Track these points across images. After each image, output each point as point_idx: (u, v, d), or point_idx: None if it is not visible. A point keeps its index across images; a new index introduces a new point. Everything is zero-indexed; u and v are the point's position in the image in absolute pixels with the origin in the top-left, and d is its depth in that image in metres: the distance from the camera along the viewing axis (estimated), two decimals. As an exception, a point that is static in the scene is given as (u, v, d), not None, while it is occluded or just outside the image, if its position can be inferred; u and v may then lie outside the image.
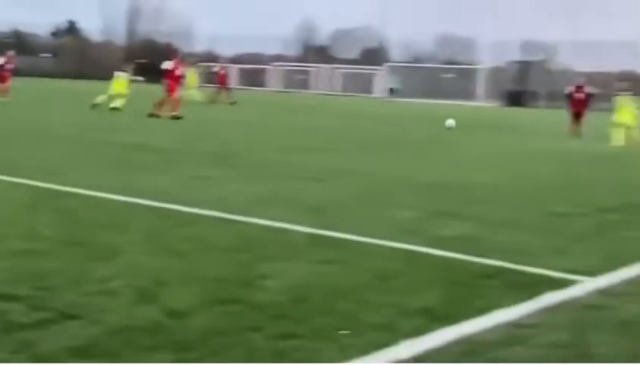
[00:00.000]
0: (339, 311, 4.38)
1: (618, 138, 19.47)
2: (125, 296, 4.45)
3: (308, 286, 4.84)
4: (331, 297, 4.63)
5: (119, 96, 22.72)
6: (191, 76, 31.99)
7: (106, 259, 5.26)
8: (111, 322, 4.00)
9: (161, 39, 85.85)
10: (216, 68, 38.45)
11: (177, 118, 20.45)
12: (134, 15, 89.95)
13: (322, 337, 3.95)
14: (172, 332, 3.91)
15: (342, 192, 9.04)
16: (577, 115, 23.22)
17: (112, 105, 22.18)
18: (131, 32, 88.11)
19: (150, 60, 78.20)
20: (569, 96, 23.95)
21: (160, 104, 21.58)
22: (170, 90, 21.86)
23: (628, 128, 19.80)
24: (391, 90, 58.77)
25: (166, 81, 22.09)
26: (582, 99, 23.43)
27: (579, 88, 23.86)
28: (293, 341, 3.85)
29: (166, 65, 22.42)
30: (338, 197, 8.63)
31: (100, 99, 22.58)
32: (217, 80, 36.15)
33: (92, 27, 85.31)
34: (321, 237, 6.38)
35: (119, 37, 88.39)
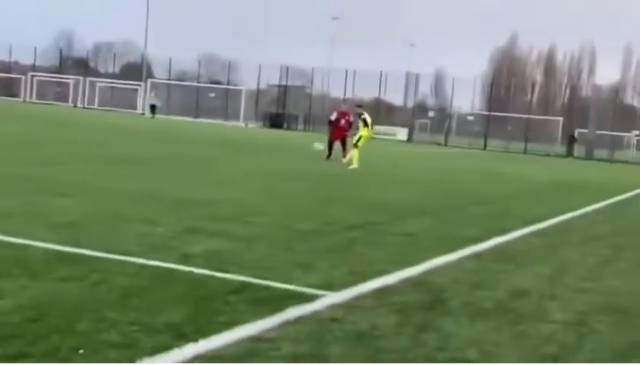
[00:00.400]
0: (78, 330, 4.21)
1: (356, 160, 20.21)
2: None
3: (45, 305, 4.60)
4: (69, 316, 4.43)
5: None
6: None
7: None
8: None
9: None
10: None
11: None
12: None
13: (57, 357, 3.76)
14: None
15: (91, 208, 8.72)
16: (342, 140, 23.24)
17: None
18: None
19: None
20: (333, 123, 23.79)
21: None
22: None
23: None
24: (152, 107, 58.01)
25: None
26: (344, 126, 23.60)
27: (343, 114, 24.09)
28: (24, 362, 3.63)
29: None
30: (87, 213, 8.32)
31: None
32: None
33: None
34: (65, 254, 6.11)
35: None
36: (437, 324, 5.10)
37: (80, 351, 3.86)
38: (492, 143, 58.18)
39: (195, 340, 4.22)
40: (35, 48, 74.51)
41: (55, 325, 4.26)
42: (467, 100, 68.63)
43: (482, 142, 59.35)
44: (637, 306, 6.22)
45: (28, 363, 3.65)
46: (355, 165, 19.85)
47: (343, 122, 23.69)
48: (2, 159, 13.64)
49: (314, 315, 5.01)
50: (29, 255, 5.94)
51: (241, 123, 61.08)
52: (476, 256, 7.99)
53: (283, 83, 67.68)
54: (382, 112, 62.52)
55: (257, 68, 67.85)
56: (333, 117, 24.13)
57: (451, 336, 4.84)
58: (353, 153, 20.41)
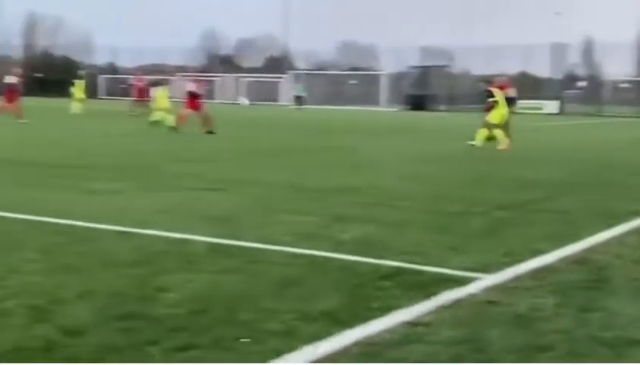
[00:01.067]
0: (239, 320, 4.36)
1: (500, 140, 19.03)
2: (18, 316, 4.32)
3: (207, 297, 4.80)
4: (231, 307, 4.60)
5: (163, 110, 24.89)
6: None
7: (-2, 280, 5.08)
8: (3, 343, 3.87)
9: (59, 53, 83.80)
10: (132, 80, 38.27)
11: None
12: (30, 29, 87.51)
13: (222, 347, 3.92)
14: (67, 350, 3.81)
15: (242, 201, 9.01)
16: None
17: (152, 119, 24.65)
18: (28, 46, 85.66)
19: (48, 74, 76.47)
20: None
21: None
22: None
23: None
24: (297, 98, 58.94)
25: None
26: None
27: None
28: (192, 353, 3.82)
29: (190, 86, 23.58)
30: (238, 205, 8.59)
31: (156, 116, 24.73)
32: (135, 92, 35.94)
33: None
34: (222, 246, 6.34)
35: (16, 52, 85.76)
36: (600, 303, 4.91)
37: (245, 340, 3.99)
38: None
39: (353, 326, 4.27)
40: (183, 49, 77.79)
41: (218, 316, 4.44)
42: (619, 67, 65.16)
43: (638, 110, 56.35)
44: None
45: (194, 352, 3.82)
46: (477, 143, 18.71)
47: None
48: (164, 157, 14.30)
49: (470, 299, 4.94)
50: (188, 249, 6.21)
51: (382, 108, 61.09)
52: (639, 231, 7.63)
53: (423, 64, 67.03)
54: (528, 86, 60.57)
55: (395, 51, 67.65)
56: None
57: (616, 315, 4.65)
58: (481, 132, 18.99)
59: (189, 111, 23.15)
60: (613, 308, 4.79)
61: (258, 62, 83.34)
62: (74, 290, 4.87)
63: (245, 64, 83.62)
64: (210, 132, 21.54)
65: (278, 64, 75.74)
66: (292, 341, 4.00)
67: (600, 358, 3.91)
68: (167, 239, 6.58)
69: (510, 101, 20.81)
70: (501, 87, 20.77)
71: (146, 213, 7.86)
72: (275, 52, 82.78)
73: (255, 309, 4.57)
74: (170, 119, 23.86)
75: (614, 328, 4.37)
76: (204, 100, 23.86)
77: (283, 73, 70.11)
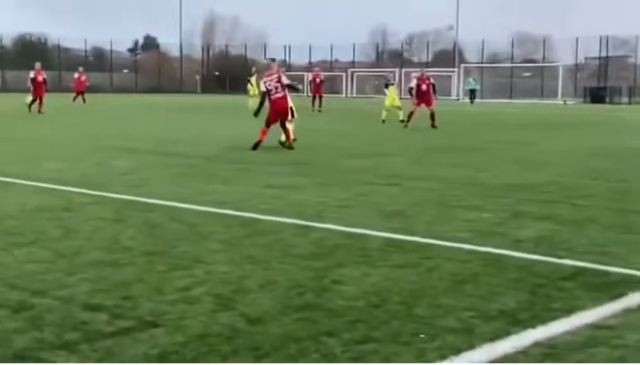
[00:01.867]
0: (416, 315, 4.37)
1: None
2: (204, 304, 4.55)
3: (384, 291, 4.84)
4: (407, 302, 4.62)
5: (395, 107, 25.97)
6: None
7: (186, 268, 5.38)
8: (191, 329, 4.09)
9: (236, 52, 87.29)
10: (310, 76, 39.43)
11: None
12: (209, 29, 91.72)
13: (399, 341, 3.94)
14: (251, 338, 3.97)
15: (416, 196, 8.99)
16: None
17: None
18: (206, 46, 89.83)
19: (225, 72, 79.73)
20: None
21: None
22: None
23: None
24: (471, 91, 57.82)
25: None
26: None
27: None
28: (370, 346, 3.87)
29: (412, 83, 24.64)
30: (412, 201, 8.59)
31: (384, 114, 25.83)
32: (313, 88, 37.07)
33: (170, 42, 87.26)
34: (398, 241, 6.37)
35: (196, 51, 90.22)
36: None
37: (422, 336, 4.00)
38: None
39: (533, 326, 4.17)
40: (353, 44, 78.72)
41: (395, 310, 4.47)
42: None
43: None
44: None
45: (372, 346, 3.87)
46: None
47: None
48: (338, 152, 14.56)
49: (658, 302, 4.68)
50: (365, 244, 6.28)
51: (559, 100, 58.91)
52: None
53: (603, 55, 63.94)
54: None
55: (574, 41, 65.00)
56: None
57: None
58: None
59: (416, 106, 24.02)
60: None
61: (428, 56, 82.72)
62: (256, 280, 5.07)
63: (415, 58, 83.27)
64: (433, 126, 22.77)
65: (448, 57, 74.85)
66: (470, 338, 3.96)
67: None
68: (344, 233, 6.69)
69: None
70: None
71: (322, 207, 8.04)
72: (445, 45, 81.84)
73: (432, 305, 4.56)
74: (400, 114, 25.15)
75: None
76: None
77: (453, 66, 69.21)
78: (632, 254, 5.99)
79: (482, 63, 72.00)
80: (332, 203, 8.35)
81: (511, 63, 70.98)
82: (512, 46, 73.73)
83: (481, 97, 61.17)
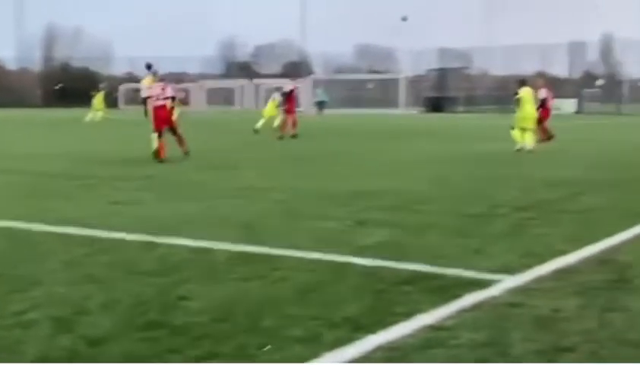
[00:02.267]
0: (262, 327, 4.39)
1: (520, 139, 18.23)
2: (42, 327, 4.37)
3: (231, 304, 4.83)
4: (254, 314, 4.63)
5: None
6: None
7: (24, 291, 5.14)
8: (29, 354, 3.92)
9: (78, 64, 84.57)
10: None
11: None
12: (50, 41, 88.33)
13: (245, 355, 3.95)
14: (91, 360, 3.85)
15: (264, 208, 9.04)
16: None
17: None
18: (47, 58, 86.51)
19: (67, 85, 77.08)
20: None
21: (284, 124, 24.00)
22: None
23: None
24: (319, 104, 58.83)
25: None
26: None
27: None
28: (213, 361, 3.84)
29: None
30: (261, 212, 8.63)
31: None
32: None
33: (6, 55, 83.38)
34: (246, 254, 6.37)
35: (35, 64, 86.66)
36: (624, 303, 4.89)
37: (267, 348, 4.02)
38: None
39: (374, 331, 4.29)
40: (200, 58, 78.19)
41: (241, 323, 4.47)
42: (639, 65, 64.71)
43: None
44: None
45: (218, 362, 3.85)
46: (518, 146, 18.34)
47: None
48: (186, 165, 14.38)
49: (492, 301, 4.94)
50: (212, 258, 6.24)
51: (401, 111, 61.03)
52: (662, 229, 7.57)
53: (442, 66, 66.89)
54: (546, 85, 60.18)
55: (414, 54, 67.62)
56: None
57: (639, 315, 4.62)
58: (514, 134, 18.63)
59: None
60: (636, 308, 4.76)
61: (277, 68, 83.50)
62: (97, 300, 4.92)
63: (264, 70, 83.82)
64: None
65: (296, 69, 75.90)
66: (315, 347, 4.02)
67: (624, 359, 3.89)
68: (190, 247, 6.62)
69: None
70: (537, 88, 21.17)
71: (168, 222, 7.92)
72: (293, 58, 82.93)
73: (278, 315, 4.60)
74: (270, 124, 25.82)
75: (638, 329, 4.35)
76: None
77: (301, 78, 70.18)
78: (467, 256, 6.29)
79: (329, 75, 73.48)
80: (179, 217, 8.24)
81: (357, 74, 72.82)
82: (357, 58, 75.75)
83: (329, 108, 62.36)
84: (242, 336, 4.22)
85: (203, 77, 77.76)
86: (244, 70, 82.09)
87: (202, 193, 10.36)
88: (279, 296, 5.04)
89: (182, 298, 4.97)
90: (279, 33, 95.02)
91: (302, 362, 3.82)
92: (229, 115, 52.15)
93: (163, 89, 16.22)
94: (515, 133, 18.38)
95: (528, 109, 18.64)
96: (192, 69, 79.85)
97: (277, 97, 26.82)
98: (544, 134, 21.71)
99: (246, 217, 8.28)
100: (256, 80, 75.20)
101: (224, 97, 74.60)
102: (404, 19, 64.78)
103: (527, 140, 18.11)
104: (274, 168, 14.43)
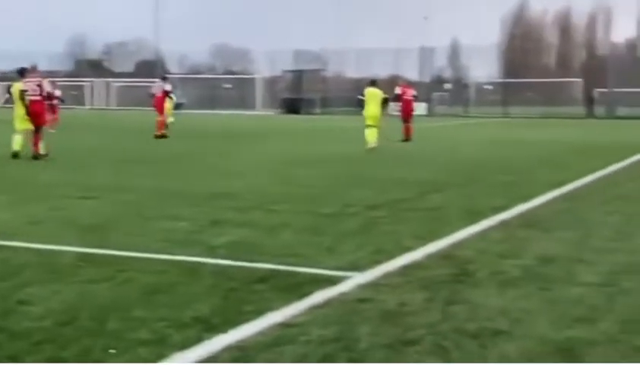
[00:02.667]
0: (108, 330, 4.26)
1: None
2: None
3: (75, 308, 4.66)
4: (99, 317, 4.48)
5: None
6: None
7: None
8: None
9: None
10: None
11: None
12: None
13: (89, 359, 3.82)
14: None
15: (114, 209, 8.80)
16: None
17: None
18: None
19: None
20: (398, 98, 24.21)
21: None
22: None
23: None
24: (177, 105, 57.41)
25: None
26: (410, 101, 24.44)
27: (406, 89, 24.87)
28: (56, 366, 3.69)
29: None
30: (110, 214, 8.39)
31: None
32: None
33: None
34: (92, 256, 6.17)
35: None
36: (465, 296, 5.10)
37: (113, 351, 3.90)
38: (512, 110, 57.70)
39: (225, 331, 4.26)
40: (49, 54, 75.07)
41: (86, 326, 4.32)
42: (484, 69, 68.05)
43: (501, 110, 58.92)
44: (666, 263, 6.16)
45: (62, 366, 3.70)
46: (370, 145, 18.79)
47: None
48: (34, 166, 13.76)
49: (341, 298, 5.02)
50: (57, 260, 6.00)
51: (258, 111, 61.13)
52: (503, 225, 7.97)
53: (297, 68, 67.55)
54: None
55: (270, 55, 67.92)
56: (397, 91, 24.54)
57: (479, 307, 4.84)
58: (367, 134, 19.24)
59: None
60: (476, 300, 4.98)
61: (129, 67, 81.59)
62: None
63: (116, 68, 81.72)
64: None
65: (150, 68, 74.41)
66: (162, 348, 3.95)
67: (464, 349, 4.05)
68: (34, 250, 6.34)
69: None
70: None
71: (12, 224, 7.56)
72: (147, 56, 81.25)
73: (125, 318, 4.47)
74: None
75: (478, 320, 4.55)
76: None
77: (155, 77, 68.84)
78: (319, 254, 6.37)
79: (183, 74, 72.52)
80: (23, 220, 7.88)
81: (213, 74, 72.30)
82: (213, 58, 75.25)
83: (185, 109, 61.57)
84: (87, 340, 4.08)
85: (52, 74, 74.74)
86: (94, 68, 79.63)
87: (50, 194, 9.94)
88: (125, 299, 4.91)
89: (23, 302, 4.74)
90: (132, 31, 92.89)
91: (147, 364, 3.73)
92: (83, 112, 50.40)
93: (38, 85, 15.86)
94: (368, 133, 18.86)
95: (372, 108, 19.31)
96: (40, 66, 76.64)
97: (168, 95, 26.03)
98: (407, 133, 23.25)
99: (95, 218, 8.03)
100: (108, 79, 73.17)
101: (74, 96, 72.02)
102: None
103: (370, 137, 18.72)
104: (128, 169, 14.05)
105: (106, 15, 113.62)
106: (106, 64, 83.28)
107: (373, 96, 19.63)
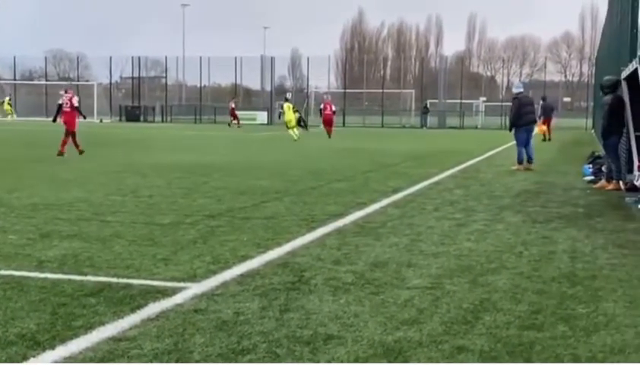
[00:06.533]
0: None
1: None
2: None
3: None
4: None
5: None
6: None
7: None
8: None
9: None
10: None
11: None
12: None
13: None
14: None
15: None
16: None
17: None
18: None
19: None
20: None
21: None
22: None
23: None
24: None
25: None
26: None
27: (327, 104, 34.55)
28: None
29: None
30: None
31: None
32: None
33: None
34: None
35: None
36: (300, 303, 5.18)
37: None
38: (350, 119, 59.29)
39: (52, 347, 4.11)
40: None
41: None
42: (323, 79, 69.44)
43: (340, 119, 60.30)
44: (487, 265, 6.54)
45: None
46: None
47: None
48: None
49: (176, 309, 4.97)
50: None
51: (95, 119, 59.25)
52: (338, 232, 8.17)
53: (137, 75, 66.14)
54: (241, 96, 62.36)
55: (108, 61, 66.05)
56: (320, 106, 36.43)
57: (313, 313, 4.93)
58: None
59: None
60: (310, 307, 5.08)
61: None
62: None
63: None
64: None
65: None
66: (-17, 369, 3.75)
67: (297, 356, 4.12)
68: None
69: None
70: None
71: None
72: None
73: (-58, 338, 4.21)
74: None
75: (311, 326, 4.64)
76: None
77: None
78: (155, 266, 6.27)
79: (15, 79, 69.15)
80: None
81: (46, 80, 69.41)
82: (48, 64, 72.24)
83: (17, 115, 58.75)
84: None
85: None
86: None
87: None
88: (-56, 318, 4.63)
89: None
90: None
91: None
92: None
93: (70, 99, 18.92)
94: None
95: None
96: None
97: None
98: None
99: None
100: None
101: None
102: None
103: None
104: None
105: None
106: None
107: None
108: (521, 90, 17.89)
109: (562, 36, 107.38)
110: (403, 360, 4.09)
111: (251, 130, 39.36)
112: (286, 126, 31.75)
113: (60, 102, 20.63)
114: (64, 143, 19.78)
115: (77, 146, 19.96)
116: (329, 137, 32.93)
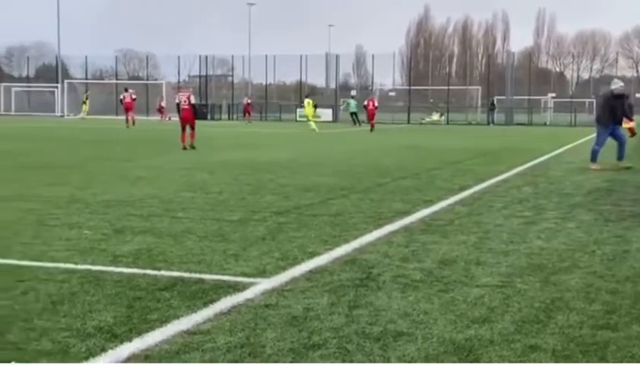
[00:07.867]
0: (7, 342, 4.16)
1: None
2: None
3: (-28, 320, 4.53)
4: (-1, 329, 4.37)
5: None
6: None
7: None
8: None
9: None
10: None
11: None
12: None
13: (-13, 371, 3.72)
14: None
15: (13, 217, 8.56)
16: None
17: None
18: None
19: None
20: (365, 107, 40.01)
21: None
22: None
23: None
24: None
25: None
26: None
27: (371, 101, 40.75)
28: (-47, 381, 3.59)
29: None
30: (9, 222, 8.16)
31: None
32: None
33: None
34: (-10, 266, 5.99)
35: None
36: (369, 299, 5.20)
37: (13, 363, 3.81)
38: (416, 116, 58.93)
39: (129, 339, 4.22)
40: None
41: (-16, 339, 4.20)
42: (388, 76, 69.33)
43: (405, 116, 60.05)
44: (559, 264, 6.45)
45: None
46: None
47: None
48: None
49: (247, 304, 5.05)
50: (-48, 272, 5.81)
51: (164, 117, 60.27)
52: (405, 230, 8.15)
53: (204, 73, 67.06)
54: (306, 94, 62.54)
55: (176, 60, 67.15)
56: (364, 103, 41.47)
57: (382, 310, 4.95)
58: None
59: None
60: (379, 304, 5.10)
61: (30, 71, 79.13)
62: None
63: (16, 73, 79.13)
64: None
65: (52, 72, 72.42)
66: (65, 358, 3.89)
67: (367, 352, 4.14)
68: None
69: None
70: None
71: None
72: (48, 60, 79.08)
73: (25, 329, 4.38)
74: None
75: (381, 323, 4.66)
76: None
77: (57, 82, 67.00)
78: (225, 261, 6.38)
79: (87, 79, 70.88)
80: None
81: (116, 79, 70.95)
82: (118, 63, 73.80)
83: (90, 114, 60.18)
84: (-15, 352, 3.98)
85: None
86: (-7, 72, 76.98)
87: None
88: (26, 309, 4.80)
89: None
90: (34, 35, 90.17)
91: (51, 376, 3.67)
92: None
93: (187, 97, 21.12)
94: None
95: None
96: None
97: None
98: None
99: (-7, 227, 7.79)
100: (7, 84, 70.75)
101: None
102: None
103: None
104: (24, 176, 13.66)
105: (4, 17, 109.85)
106: (5, 68, 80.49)
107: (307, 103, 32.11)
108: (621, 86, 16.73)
109: (634, 30, 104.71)
110: (475, 358, 4.07)
111: (318, 127, 39.44)
112: (307, 119, 37.18)
113: (177, 101, 22.83)
114: (191, 136, 22.09)
115: (184, 140, 21.78)
116: (371, 130, 37.13)
